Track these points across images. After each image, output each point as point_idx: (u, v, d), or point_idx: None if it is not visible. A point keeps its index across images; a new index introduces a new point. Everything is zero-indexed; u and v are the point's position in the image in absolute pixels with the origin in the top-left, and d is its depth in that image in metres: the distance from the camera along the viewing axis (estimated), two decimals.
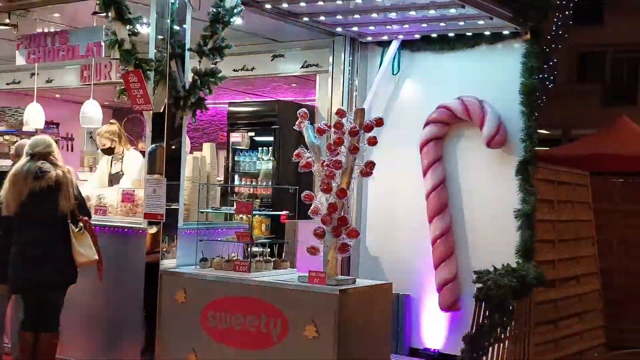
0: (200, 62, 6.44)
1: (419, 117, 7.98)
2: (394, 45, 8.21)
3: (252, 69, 8.96)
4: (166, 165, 6.27)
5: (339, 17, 7.69)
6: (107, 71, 9.49)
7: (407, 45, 8.25)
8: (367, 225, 8.36)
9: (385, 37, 8.21)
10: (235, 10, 6.40)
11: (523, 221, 7.31)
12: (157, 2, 6.31)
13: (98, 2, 6.13)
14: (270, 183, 8.34)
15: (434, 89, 8.05)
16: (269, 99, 9.70)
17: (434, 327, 7.86)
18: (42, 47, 7.59)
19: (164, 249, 6.27)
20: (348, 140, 5.70)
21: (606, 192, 9.94)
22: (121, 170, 7.78)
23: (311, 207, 5.83)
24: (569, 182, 8.64)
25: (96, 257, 6.02)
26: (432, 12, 7.15)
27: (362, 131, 5.70)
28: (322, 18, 7.79)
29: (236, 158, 8.74)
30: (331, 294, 5.42)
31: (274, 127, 8.44)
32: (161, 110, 6.30)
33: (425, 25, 7.71)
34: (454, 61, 7.97)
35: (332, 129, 5.74)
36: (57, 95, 11.49)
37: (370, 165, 5.74)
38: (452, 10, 7.09)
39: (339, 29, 8.06)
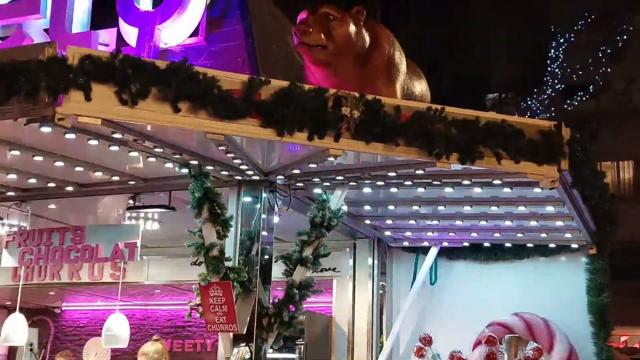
0: (292, 271, 5.38)
1: (462, 334, 7.06)
2: (433, 252, 7.46)
3: None
4: None
5: (389, 221, 6.93)
6: (76, 269, 7.93)
7: (444, 252, 7.54)
8: None
9: (425, 243, 7.46)
10: (340, 212, 5.46)
11: None
12: (241, 206, 5.32)
13: (192, 199, 4.93)
14: None
15: (478, 303, 7.24)
16: None
17: None
18: (44, 246, 6.18)
19: None
20: None
21: None
22: None
23: None
24: None
25: None
26: (507, 222, 6.50)
27: None
28: (367, 222, 7.00)
29: None
30: None
31: (299, 342, 7.14)
32: (244, 332, 5.10)
33: (475, 234, 7.04)
34: (502, 273, 7.32)
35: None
36: None
37: None
38: (534, 223, 6.43)
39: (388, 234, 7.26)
